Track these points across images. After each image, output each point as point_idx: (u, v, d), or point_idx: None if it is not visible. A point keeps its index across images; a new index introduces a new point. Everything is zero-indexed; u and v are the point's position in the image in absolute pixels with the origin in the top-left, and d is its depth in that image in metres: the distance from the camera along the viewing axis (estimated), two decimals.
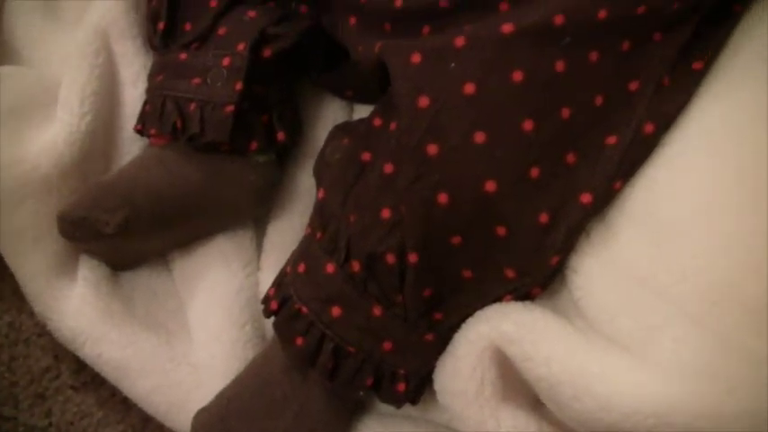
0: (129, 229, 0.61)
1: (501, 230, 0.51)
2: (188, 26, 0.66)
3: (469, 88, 0.50)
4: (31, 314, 0.67)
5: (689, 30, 0.53)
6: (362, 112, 0.69)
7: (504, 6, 0.51)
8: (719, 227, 0.50)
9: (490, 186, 0.50)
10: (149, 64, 0.70)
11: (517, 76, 0.49)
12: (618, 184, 0.52)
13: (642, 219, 0.52)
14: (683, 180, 0.52)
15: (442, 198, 0.50)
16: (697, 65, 0.53)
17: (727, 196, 0.50)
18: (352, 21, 0.60)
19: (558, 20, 0.49)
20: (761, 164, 0.50)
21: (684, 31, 0.53)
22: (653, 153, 0.53)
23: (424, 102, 0.50)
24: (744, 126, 0.52)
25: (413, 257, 0.52)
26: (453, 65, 0.50)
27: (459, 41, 0.50)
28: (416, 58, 0.51)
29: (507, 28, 0.49)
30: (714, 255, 0.49)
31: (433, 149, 0.50)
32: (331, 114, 0.70)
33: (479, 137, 0.49)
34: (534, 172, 0.50)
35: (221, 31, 0.65)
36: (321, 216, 0.57)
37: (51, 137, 0.66)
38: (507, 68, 0.49)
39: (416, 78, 0.51)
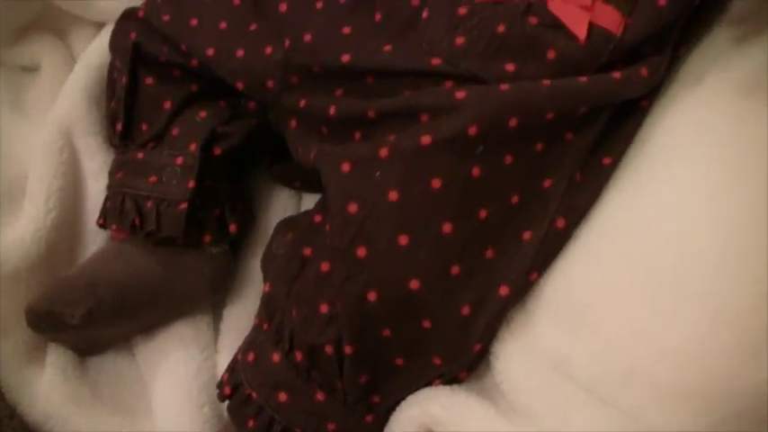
0: (92, 320, 0.66)
1: (426, 323, 0.56)
2: (144, 126, 0.71)
3: (393, 195, 0.55)
4: (3, 398, 0.72)
5: (599, 126, 0.58)
6: (310, 200, 0.74)
7: (424, 118, 0.56)
8: (629, 313, 0.55)
9: (414, 285, 0.55)
10: (110, 159, 0.75)
11: (436, 183, 0.55)
12: (534, 276, 0.57)
13: (557, 306, 0.57)
14: (594, 269, 0.57)
15: (372, 296, 0.55)
16: (607, 160, 0.59)
17: (635, 284, 0.55)
18: (293, 123, 0.65)
19: (472, 131, 0.55)
20: (664, 255, 0.55)
21: (595, 128, 0.58)
22: (567, 244, 0.58)
23: (353, 208, 0.56)
24: (650, 218, 0.57)
25: (349, 349, 0.57)
26: (378, 174, 0.55)
27: (384, 152, 0.56)
28: (346, 167, 0.57)
29: (426, 140, 0.55)
30: (624, 340, 0.54)
31: (362, 252, 0.55)
32: (281, 203, 0.75)
33: (403, 240, 0.55)
34: (455, 269, 0.56)
35: (175, 131, 0.70)
36: (267, 308, 0.62)
37: (19, 232, 0.71)
38: (427, 177, 0.55)
39: (346, 186, 0.56)
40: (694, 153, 0.58)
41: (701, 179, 0.56)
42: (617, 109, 0.59)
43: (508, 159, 0.56)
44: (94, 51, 0.79)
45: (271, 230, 0.71)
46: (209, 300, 0.73)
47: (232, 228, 0.70)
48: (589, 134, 0.58)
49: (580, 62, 0.58)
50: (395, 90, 0.59)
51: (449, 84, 0.57)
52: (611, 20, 0.58)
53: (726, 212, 0.53)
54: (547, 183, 0.57)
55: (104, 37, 0.79)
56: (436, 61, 0.58)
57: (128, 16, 0.73)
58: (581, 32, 0.58)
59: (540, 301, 0.58)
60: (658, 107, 0.62)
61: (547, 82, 0.56)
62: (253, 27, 0.65)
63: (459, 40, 0.58)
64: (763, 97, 0.58)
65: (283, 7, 0.63)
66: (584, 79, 0.57)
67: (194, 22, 0.68)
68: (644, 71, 0.58)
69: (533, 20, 0.58)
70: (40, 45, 0.82)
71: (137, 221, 0.67)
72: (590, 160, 0.58)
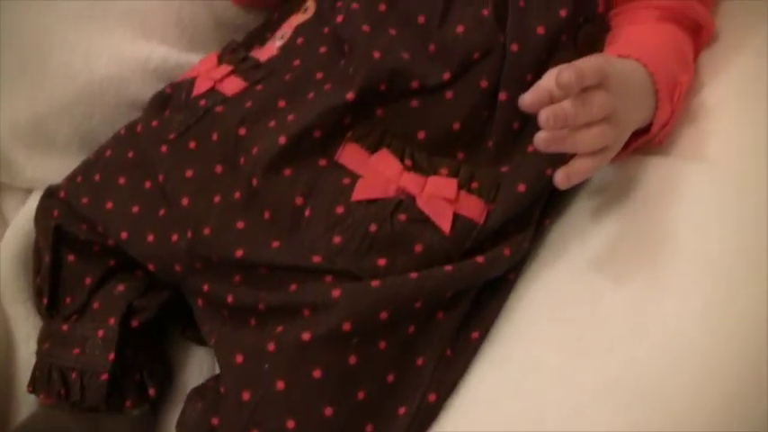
0: None
1: None
2: (68, 300, 0.78)
3: (280, 385, 0.63)
4: None
5: (467, 304, 0.67)
6: None
7: (306, 312, 0.64)
8: None
9: None
10: (38, 325, 0.82)
11: (317, 373, 0.63)
12: None
13: None
14: None
15: None
16: (475, 333, 0.67)
17: None
18: (199, 302, 0.73)
19: (346, 327, 0.63)
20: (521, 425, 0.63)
21: (463, 306, 0.67)
22: (438, 416, 0.66)
23: (246, 395, 0.64)
24: (510, 390, 0.65)
25: None
26: (267, 366, 0.64)
27: (271, 346, 0.64)
28: (239, 358, 0.65)
29: (306, 336, 0.63)
30: None
31: None
32: (197, 360, 0.83)
33: (290, 424, 0.63)
34: None
35: (95, 305, 0.77)
36: None
37: None
38: (308, 368, 0.63)
39: (239, 376, 0.65)
40: (551, 330, 0.66)
41: (554, 356, 0.64)
42: (485, 283, 0.68)
43: (382, 345, 0.64)
44: (23, 218, 0.86)
45: (188, 388, 0.78)
46: None
47: (151, 392, 0.77)
48: (458, 312, 0.66)
49: (445, 252, 0.66)
50: (284, 282, 0.67)
51: (329, 278, 0.65)
52: (474, 208, 0.67)
53: (576, 393, 0.61)
54: (419, 361, 0.65)
55: (32, 203, 0.86)
56: (317, 259, 0.66)
57: (50, 194, 0.80)
58: (445, 225, 0.66)
59: None
60: (524, 280, 0.71)
61: (414, 275, 0.64)
62: (162, 212, 0.73)
63: (336, 240, 0.66)
64: (614, 270, 0.67)
65: (185, 201, 0.71)
66: (449, 268, 0.65)
67: (109, 204, 0.76)
68: (506, 251, 0.67)
69: (402, 217, 0.66)
70: None
71: (62, 392, 0.74)
72: (459, 336, 0.67)
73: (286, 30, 0.78)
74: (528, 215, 0.69)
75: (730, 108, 0.72)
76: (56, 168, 0.85)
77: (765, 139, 0.68)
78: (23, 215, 0.87)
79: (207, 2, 0.86)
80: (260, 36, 0.82)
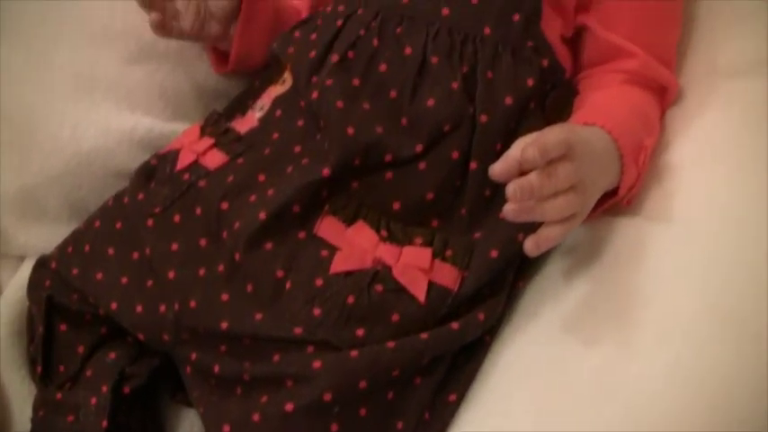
0: None
1: None
2: (61, 368, 0.81)
3: None
4: None
5: (444, 368, 0.70)
6: None
7: (288, 383, 0.67)
8: None
9: None
10: (34, 391, 0.84)
11: None
12: None
13: None
14: None
15: None
16: (452, 396, 0.70)
17: None
18: (188, 369, 0.76)
19: (327, 397, 0.65)
20: None
21: (440, 370, 0.69)
22: None
23: None
24: None
25: None
26: None
27: (256, 417, 0.67)
28: (226, 428, 0.68)
29: (289, 407, 0.66)
30: None
31: None
32: (188, 423, 0.85)
33: None
34: None
35: (88, 372, 0.80)
36: None
37: None
38: None
39: None
40: (524, 394, 0.69)
41: (528, 420, 0.67)
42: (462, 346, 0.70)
43: (362, 412, 0.67)
44: (16, 285, 0.89)
45: None
46: None
47: None
48: (435, 376, 0.69)
49: (421, 319, 0.69)
50: (267, 352, 0.70)
51: (310, 349, 0.68)
52: (448, 276, 0.70)
53: None
54: (399, 425, 0.68)
55: (25, 270, 0.89)
56: (298, 330, 0.69)
57: (42, 264, 0.83)
58: (421, 295, 0.69)
59: None
60: (499, 342, 0.73)
61: (392, 344, 0.67)
62: (149, 283, 0.76)
63: (316, 311, 0.69)
64: (584, 333, 0.69)
65: (171, 274, 0.74)
66: (425, 335, 0.68)
67: (99, 275, 0.78)
68: (481, 316, 0.70)
69: (379, 287, 0.69)
70: None
71: None
72: (436, 399, 0.69)
73: (265, 101, 0.80)
74: (502, 279, 0.72)
75: (695, 167, 0.74)
76: (47, 236, 0.88)
77: (728, 197, 0.70)
78: (16, 282, 0.89)
79: (189, 72, 0.88)
80: (241, 105, 0.84)
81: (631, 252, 0.71)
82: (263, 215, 0.70)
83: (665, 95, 0.77)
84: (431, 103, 0.70)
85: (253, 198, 0.72)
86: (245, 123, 0.81)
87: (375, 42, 0.72)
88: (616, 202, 0.71)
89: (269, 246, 0.70)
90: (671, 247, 0.69)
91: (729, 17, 0.81)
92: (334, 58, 0.72)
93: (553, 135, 0.60)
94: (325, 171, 0.69)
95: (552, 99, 0.74)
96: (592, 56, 0.77)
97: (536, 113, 0.73)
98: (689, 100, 0.80)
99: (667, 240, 0.70)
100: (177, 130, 0.87)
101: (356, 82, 0.72)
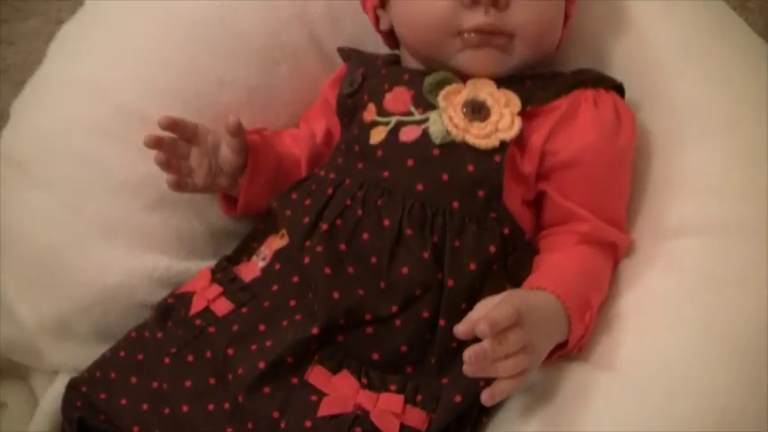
0: None
1: None
2: None
3: None
4: None
5: None
6: None
7: None
8: None
9: None
10: None
11: None
12: None
13: None
14: None
15: None
16: None
17: None
18: None
19: None
20: None
21: None
22: None
23: None
24: None
25: None
26: None
27: None
28: None
29: None
30: None
31: None
32: None
33: None
34: None
35: None
36: None
37: None
38: None
39: None
40: None
41: None
42: None
43: None
44: (50, 398, 1.02)
45: None
46: None
47: None
48: None
49: None
50: None
51: None
52: (418, 418, 0.82)
53: None
54: None
55: (58, 384, 1.02)
56: None
57: (73, 387, 0.96)
58: None
59: None
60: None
61: None
62: (167, 411, 0.89)
63: None
64: None
65: (185, 408, 0.87)
66: None
67: (123, 401, 0.91)
68: None
69: (358, 430, 0.81)
70: (5, 388, 1.05)
71: None
72: None
73: (266, 252, 0.93)
74: (467, 415, 0.84)
75: (641, 317, 0.86)
76: (78, 355, 1.01)
77: (667, 349, 0.82)
78: (50, 396, 1.02)
79: (201, 216, 1.01)
80: (247, 248, 0.97)
81: (576, 398, 0.82)
82: (261, 365, 0.83)
83: (615, 251, 0.89)
84: (405, 270, 0.83)
85: (254, 347, 0.85)
86: (250, 270, 0.93)
87: (359, 212, 0.85)
88: (566, 353, 0.82)
89: (266, 390, 0.83)
90: (612, 398, 0.80)
91: (675, 180, 0.92)
92: (324, 226, 0.85)
93: (503, 309, 0.72)
94: (315, 330, 0.82)
95: (513, 259, 0.86)
96: (550, 217, 0.89)
97: (498, 274, 0.85)
98: (638, 254, 0.92)
99: (610, 390, 0.81)
100: (191, 268, 0.99)
101: (342, 247, 0.84)
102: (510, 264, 0.86)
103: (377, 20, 0.97)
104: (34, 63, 1.23)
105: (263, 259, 0.93)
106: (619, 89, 0.93)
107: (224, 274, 0.94)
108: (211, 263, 1.00)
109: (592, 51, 1.00)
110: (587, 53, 1.00)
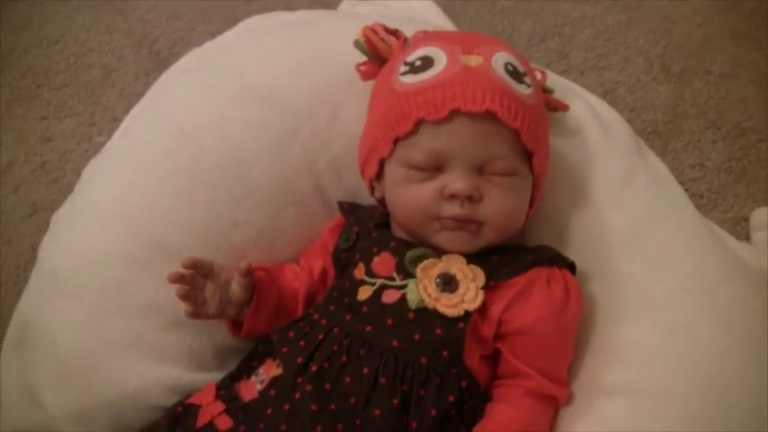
0: None
1: None
2: None
3: None
4: None
5: None
6: None
7: None
8: None
9: None
10: None
11: None
12: None
13: None
14: None
15: None
16: None
17: None
18: None
19: None
20: None
21: None
22: None
23: None
24: None
25: None
26: None
27: None
28: None
29: None
30: None
31: None
32: None
33: None
34: None
35: None
36: None
37: None
38: None
39: None
40: None
41: None
42: None
43: None
44: None
45: None
46: None
47: None
48: None
49: None
50: None
51: None
52: None
53: None
54: None
55: None
56: None
57: None
58: None
59: None
60: None
61: None
62: None
63: None
64: None
65: None
66: None
67: None
68: None
69: None
70: None
71: None
72: None
73: (264, 376, 1.11)
74: None
75: None
76: None
77: None
78: None
79: (210, 336, 1.19)
80: (247, 367, 1.15)
81: None
82: None
83: (556, 402, 1.08)
84: (377, 412, 1.01)
85: None
86: (249, 391, 1.10)
87: (344, 359, 1.03)
88: None
89: None
90: None
91: (613, 349, 1.11)
92: (314, 368, 1.03)
93: None
94: None
95: (469, 406, 1.04)
96: (503, 370, 1.07)
97: (455, 418, 1.03)
98: (575, 406, 1.10)
99: None
100: (199, 379, 1.17)
101: (327, 387, 1.02)
102: (466, 410, 1.04)
103: (372, 189, 1.15)
104: (68, 162, 1.44)
105: (261, 383, 1.10)
106: (571, 267, 1.11)
107: (227, 392, 1.11)
108: (216, 375, 1.18)
109: (554, 226, 1.18)
110: (550, 227, 1.19)
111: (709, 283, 1.13)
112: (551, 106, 1.21)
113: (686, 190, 1.42)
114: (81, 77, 1.57)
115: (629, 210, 1.17)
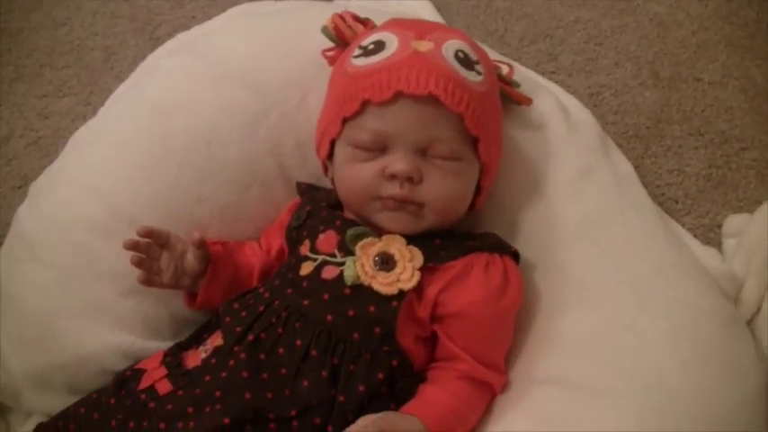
0: None
1: None
2: None
3: None
4: None
5: None
6: None
7: None
8: None
9: None
10: None
11: None
12: None
13: None
14: None
15: None
16: None
17: None
18: None
19: None
20: None
21: None
22: None
23: None
24: None
25: None
26: None
27: None
28: None
29: None
30: None
31: None
32: None
33: None
34: None
35: None
36: None
37: None
38: None
39: None
40: None
41: None
42: None
43: None
44: None
45: None
46: None
47: None
48: None
49: None
50: None
51: None
52: None
53: None
54: None
55: (29, 424, 1.24)
56: None
57: (39, 430, 1.18)
58: None
59: None
60: None
61: None
62: None
63: None
64: None
65: None
66: None
67: None
68: None
69: None
70: None
71: None
72: None
73: (210, 346, 1.14)
74: None
75: None
76: (50, 402, 1.22)
77: None
78: None
79: (167, 305, 1.23)
80: (197, 338, 1.19)
81: None
82: None
83: (491, 388, 1.09)
84: (306, 383, 1.03)
85: (180, 425, 1.05)
86: (193, 359, 1.13)
87: (279, 330, 1.06)
88: None
89: None
90: None
91: (550, 339, 1.11)
92: (251, 337, 1.06)
93: (369, 429, 0.93)
94: (226, 420, 1.02)
95: (401, 385, 1.06)
96: (439, 353, 1.09)
97: (385, 396, 1.05)
98: (510, 393, 1.11)
99: None
100: (152, 347, 1.20)
101: (262, 357, 1.05)
102: (397, 389, 1.06)
103: (326, 169, 1.18)
104: (61, 139, 1.49)
105: (206, 351, 1.13)
106: (514, 255, 1.12)
107: (173, 358, 1.15)
108: (170, 344, 1.21)
109: (505, 216, 1.20)
110: (503, 215, 1.20)
111: (660, 280, 1.14)
112: (514, 99, 1.22)
113: (662, 194, 1.43)
114: (83, 59, 1.62)
115: (586, 204, 1.18)
